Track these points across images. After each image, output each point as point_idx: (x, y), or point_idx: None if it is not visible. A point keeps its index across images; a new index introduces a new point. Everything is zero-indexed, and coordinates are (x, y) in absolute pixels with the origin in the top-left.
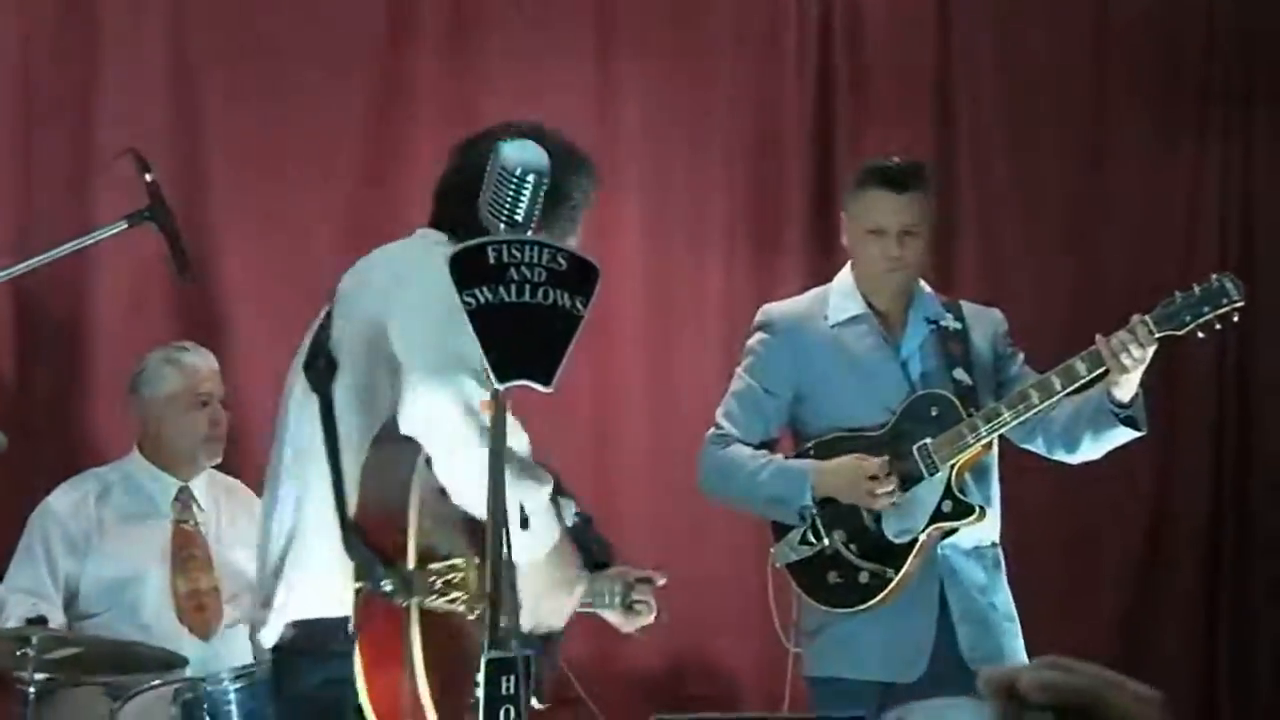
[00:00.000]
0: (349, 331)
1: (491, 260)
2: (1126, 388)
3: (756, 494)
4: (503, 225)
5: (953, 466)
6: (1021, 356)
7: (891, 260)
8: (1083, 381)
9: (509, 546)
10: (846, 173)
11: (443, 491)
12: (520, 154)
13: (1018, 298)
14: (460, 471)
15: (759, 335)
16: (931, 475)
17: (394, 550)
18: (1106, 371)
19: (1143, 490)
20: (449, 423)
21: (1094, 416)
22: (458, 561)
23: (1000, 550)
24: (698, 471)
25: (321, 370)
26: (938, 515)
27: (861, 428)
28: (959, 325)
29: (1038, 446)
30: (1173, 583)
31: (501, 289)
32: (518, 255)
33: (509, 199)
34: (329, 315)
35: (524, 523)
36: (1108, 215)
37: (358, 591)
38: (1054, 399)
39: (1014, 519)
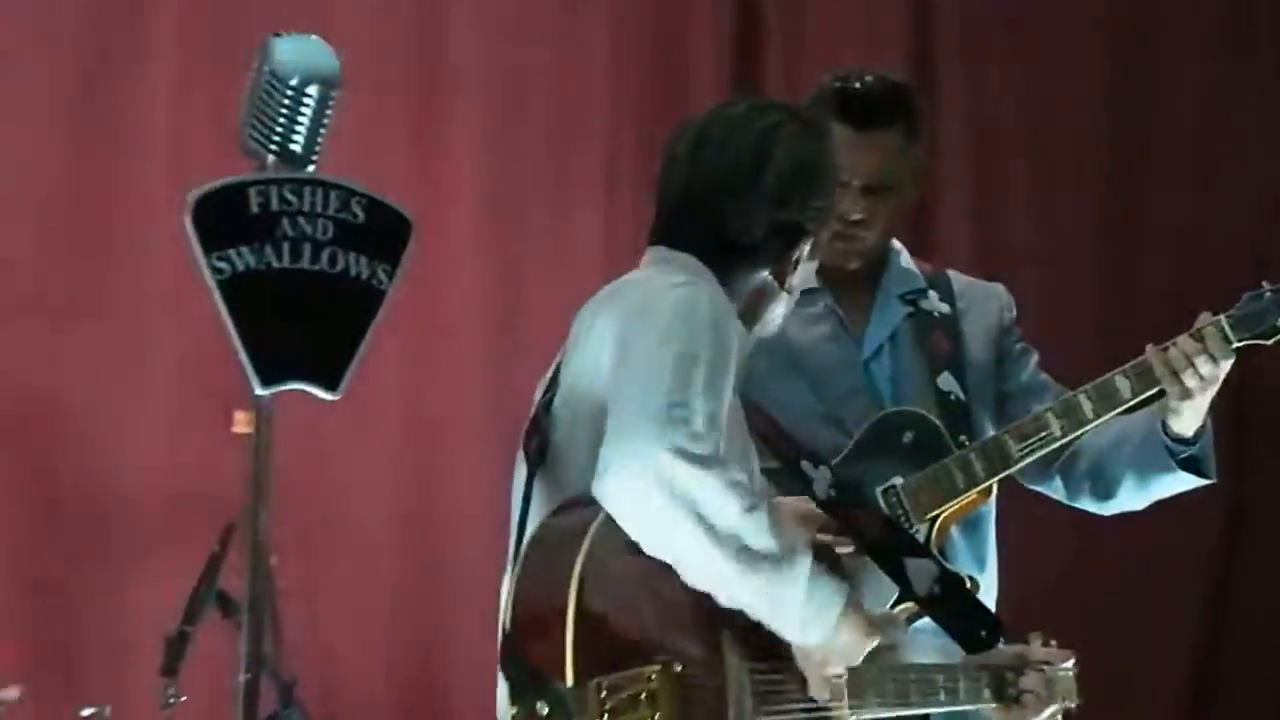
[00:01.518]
0: (566, 398)
1: (254, 207)
2: (1189, 417)
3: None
4: (271, 154)
5: (934, 520)
6: (1035, 358)
7: (845, 226)
8: (1126, 407)
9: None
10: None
11: (642, 570)
12: (299, 54)
13: (1023, 276)
14: (680, 553)
15: None
16: None
17: (549, 662)
18: (1158, 394)
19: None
20: (648, 496)
21: (1141, 453)
22: (646, 670)
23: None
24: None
25: (533, 452)
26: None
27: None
28: (947, 309)
29: (1053, 489)
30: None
31: (268, 249)
32: (293, 200)
33: (281, 116)
34: (557, 370)
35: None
36: (1150, 156)
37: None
38: (1082, 430)
39: (1029, 571)
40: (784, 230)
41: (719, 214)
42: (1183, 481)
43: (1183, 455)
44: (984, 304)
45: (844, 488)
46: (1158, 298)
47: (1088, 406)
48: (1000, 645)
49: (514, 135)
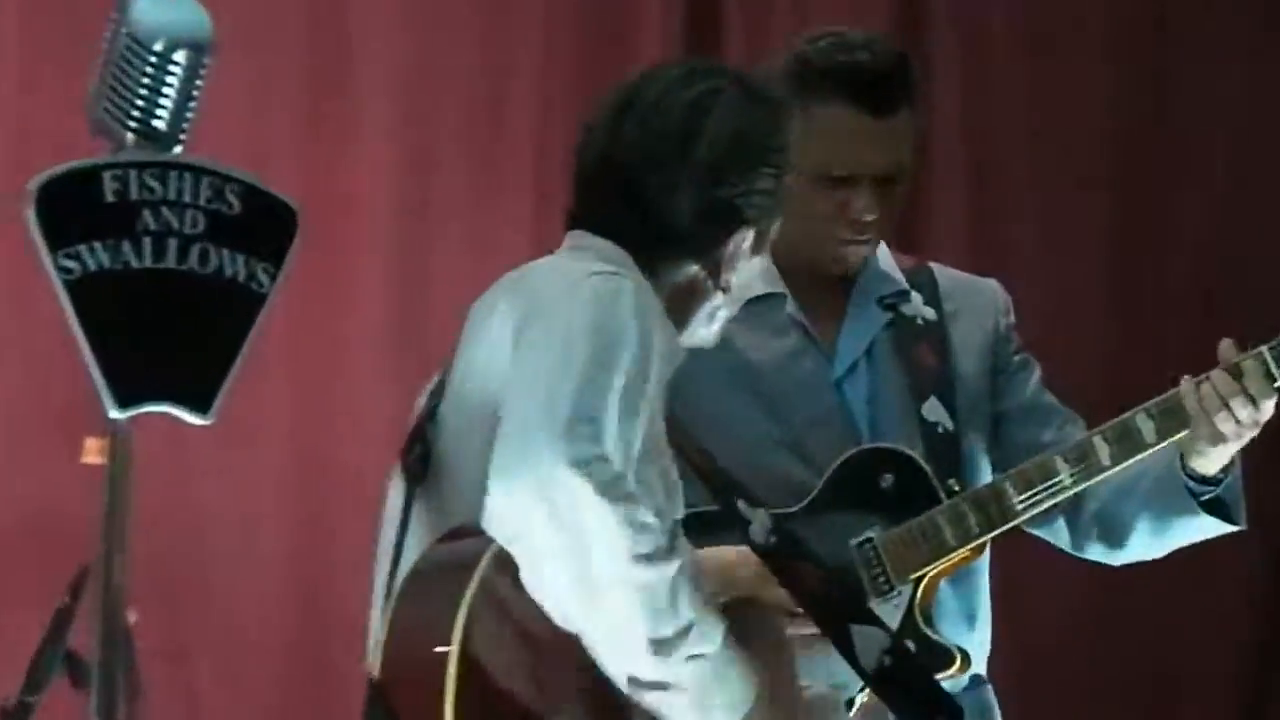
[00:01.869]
0: (454, 402)
1: (109, 196)
2: (1215, 457)
3: None
4: (130, 132)
5: (919, 581)
6: (1036, 373)
7: (859, 228)
8: (1151, 452)
9: None
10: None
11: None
12: (164, 13)
13: (1025, 277)
14: (554, 595)
15: None
16: (881, 596)
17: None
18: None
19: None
20: (530, 518)
21: (1158, 494)
22: None
23: (989, 689)
24: None
25: (413, 465)
26: None
27: (758, 500)
28: (932, 314)
29: (1056, 535)
30: None
31: (125, 246)
32: (156, 188)
33: (142, 87)
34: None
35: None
36: (1164, 154)
37: None
38: (1098, 479)
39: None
40: (718, 215)
41: (640, 190)
42: (1207, 527)
43: (1206, 497)
44: (976, 306)
45: (785, 535)
46: (1175, 306)
47: (1104, 451)
48: None
49: (429, 116)
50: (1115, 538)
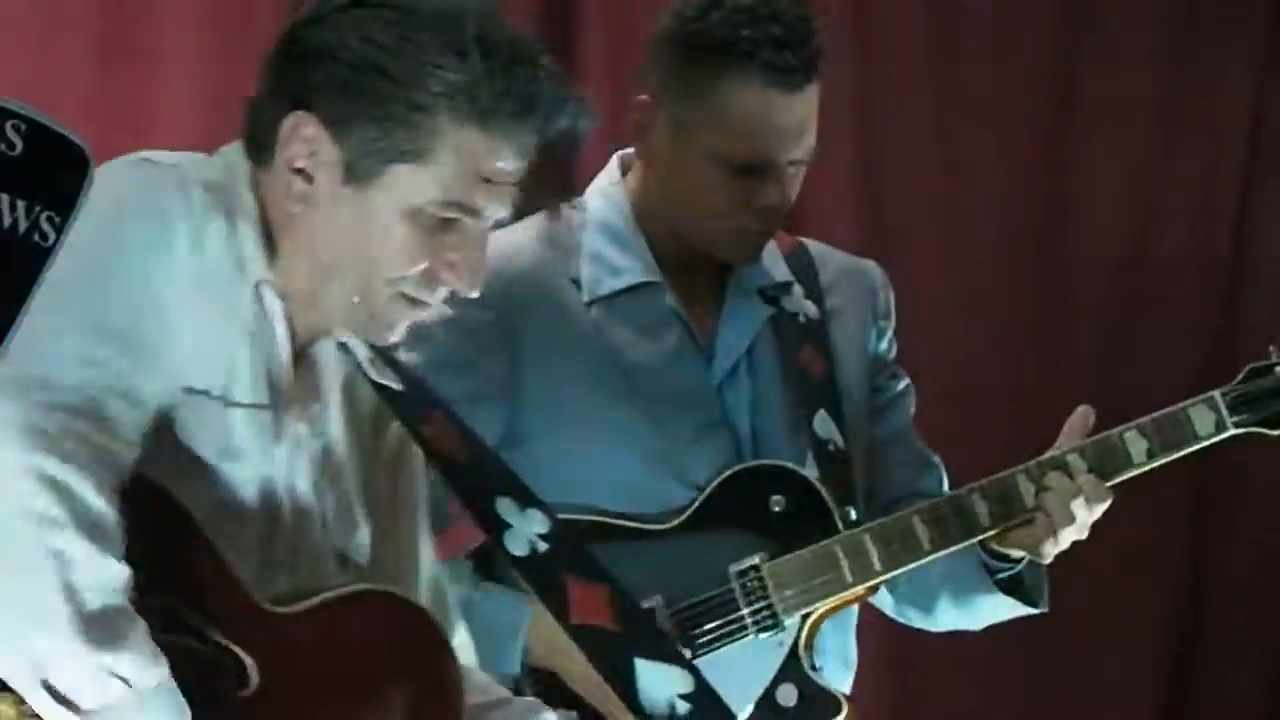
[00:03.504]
0: None
1: None
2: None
3: None
4: None
5: (806, 618)
6: (910, 399)
7: (768, 217)
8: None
9: None
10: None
11: None
12: None
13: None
14: None
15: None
16: (763, 633)
17: None
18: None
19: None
20: None
21: (955, 566)
22: None
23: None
24: None
25: None
26: (768, 709)
27: (626, 515)
28: (814, 310)
29: (882, 602)
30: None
31: None
32: None
33: None
34: None
35: None
36: (1091, 156)
37: None
38: (937, 555)
39: None
40: None
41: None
42: (1004, 607)
43: (1002, 575)
44: (855, 298)
45: (563, 543)
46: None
47: (954, 527)
48: None
49: (238, 46)
50: (925, 604)
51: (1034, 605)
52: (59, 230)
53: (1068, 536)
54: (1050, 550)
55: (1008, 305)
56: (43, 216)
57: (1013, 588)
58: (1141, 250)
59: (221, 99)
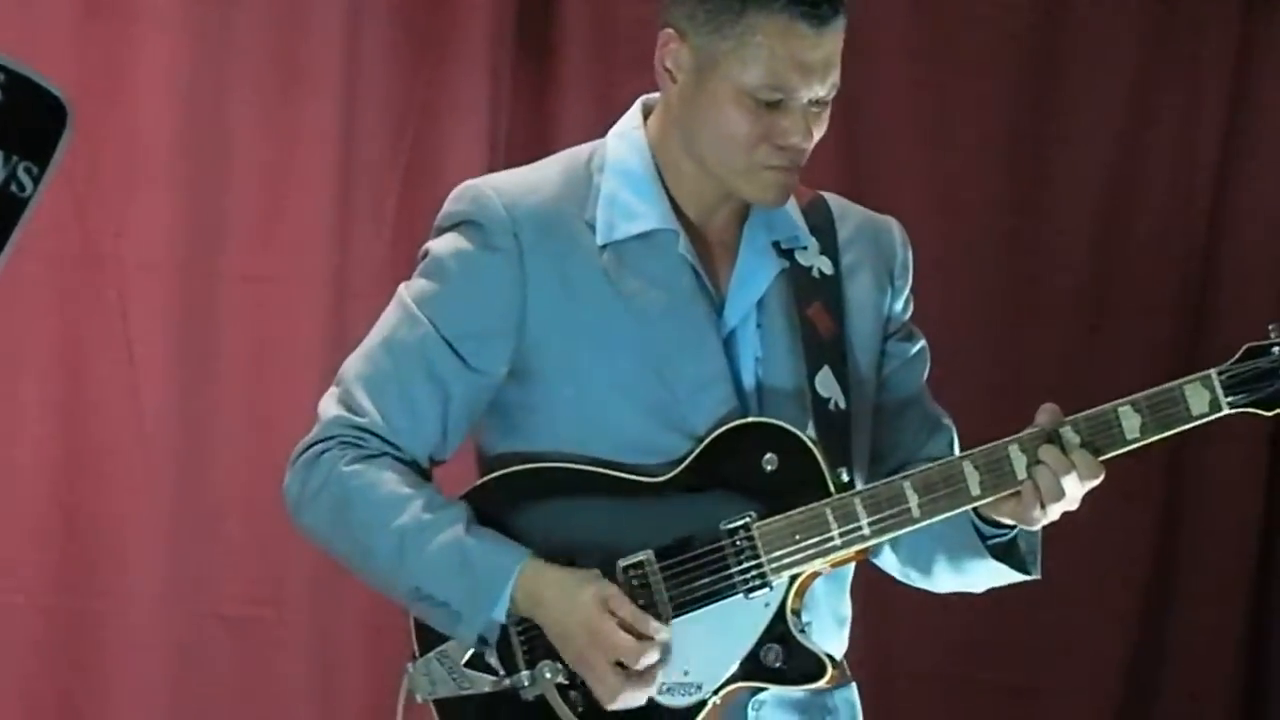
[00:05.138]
0: None
1: None
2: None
3: (397, 571)
4: None
5: (795, 579)
6: (925, 364)
7: (790, 155)
8: (977, 504)
9: None
10: None
11: None
12: None
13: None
14: None
15: (455, 238)
16: (751, 593)
17: None
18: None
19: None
20: None
21: (949, 529)
22: None
23: (854, 687)
24: (290, 493)
25: None
26: (753, 668)
27: (621, 464)
28: (829, 267)
29: (886, 563)
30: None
31: None
32: None
33: None
34: None
35: None
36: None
37: None
38: (927, 522)
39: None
40: None
41: None
42: (997, 573)
43: (995, 541)
44: (872, 256)
45: None
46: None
47: (941, 499)
48: None
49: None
50: (924, 567)
51: (1026, 572)
52: (36, 181)
53: (1057, 510)
54: (1039, 522)
55: (982, 289)
56: (20, 167)
57: (1006, 554)
58: (1116, 233)
59: (203, 53)
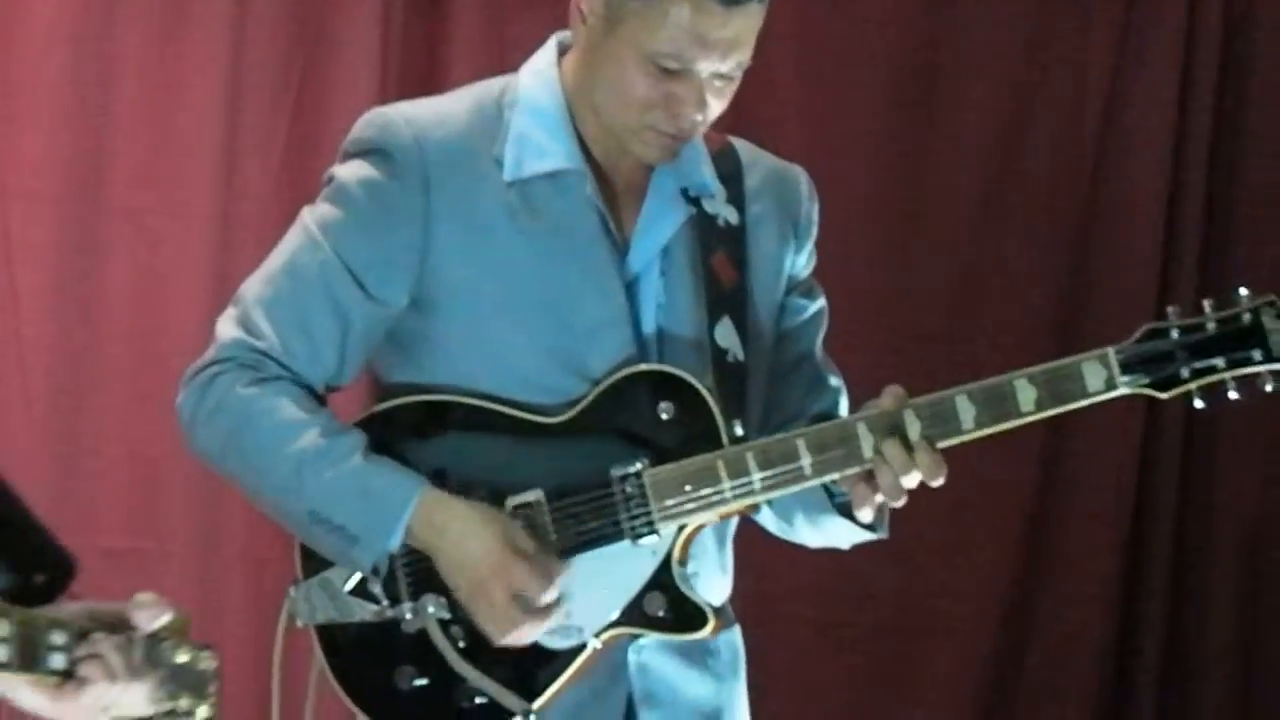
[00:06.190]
0: None
1: None
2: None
3: (293, 496)
4: None
5: (682, 528)
6: (823, 323)
7: (683, 125)
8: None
9: None
10: None
11: None
12: None
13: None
14: None
15: (361, 165)
16: (639, 539)
17: None
18: None
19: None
20: None
21: (806, 491)
22: None
23: (737, 630)
24: (183, 412)
25: None
26: (635, 615)
27: (516, 401)
28: (735, 217)
29: (763, 518)
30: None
31: None
32: None
33: None
34: None
35: None
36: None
37: None
38: (819, 480)
39: None
40: None
41: None
42: (851, 533)
43: (841, 500)
44: (778, 207)
45: None
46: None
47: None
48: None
49: None
50: (789, 520)
51: (873, 530)
52: None
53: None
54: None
55: (869, 235)
56: None
57: (851, 512)
58: (1004, 183)
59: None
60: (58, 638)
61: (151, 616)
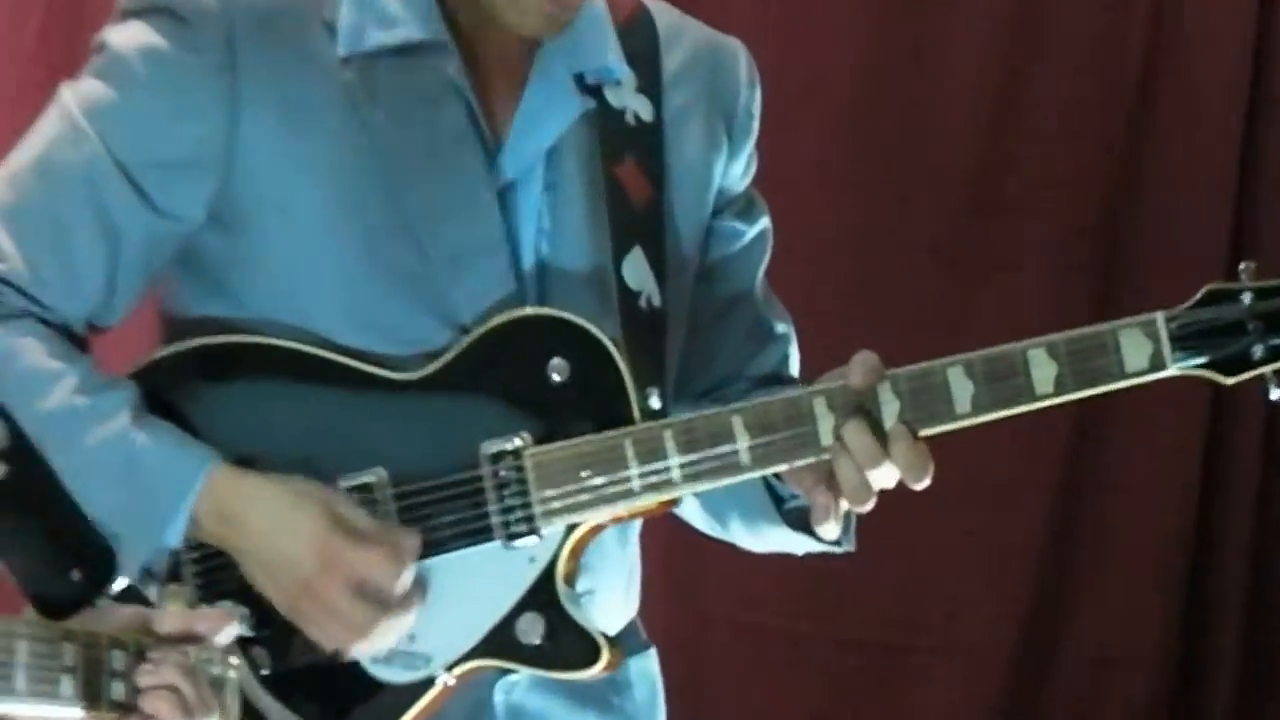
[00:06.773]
0: None
1: None
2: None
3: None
4: None
5: (572, 529)
6: (758, 230)
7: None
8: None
9: None
10: None
11: None
12: None
13: None
14: None
15: (144, 29)
16: (513, 540)
17: None
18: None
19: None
20: None
21: (743, 488)
22: None
23: (653, 654)
24: None
25: None
26: (503, 643)
27: (355, 350)
28: (649, 112)
29: (686, 511)
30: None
31: None
32: None
33: None
34: None
35: None
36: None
37: None
38: (760, 472)
39: None
40: None
41: None
42: (799, 543)
43: (792, 507)
44: (709, 96)
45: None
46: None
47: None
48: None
49: None
50: (721, 520)
51: (836, 545)
52: None
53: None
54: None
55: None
56: None
57: (805, 523)
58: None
59: None
60: (118, 661)
61: (217, 629)
